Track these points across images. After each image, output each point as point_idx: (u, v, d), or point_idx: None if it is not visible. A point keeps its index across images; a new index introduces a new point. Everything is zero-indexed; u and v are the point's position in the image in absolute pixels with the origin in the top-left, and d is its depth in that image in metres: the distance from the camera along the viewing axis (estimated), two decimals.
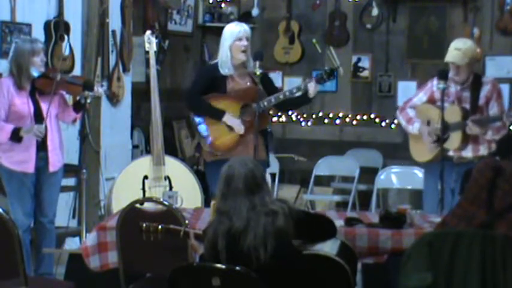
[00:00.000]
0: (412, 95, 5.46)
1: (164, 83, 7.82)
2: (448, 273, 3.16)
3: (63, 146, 5.33)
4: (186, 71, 8.48)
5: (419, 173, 5.82)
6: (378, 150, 7.94)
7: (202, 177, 5.95)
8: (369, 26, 8.15)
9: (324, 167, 7.53)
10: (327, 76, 5.01)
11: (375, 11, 8.06)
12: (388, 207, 6.72)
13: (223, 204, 3.26)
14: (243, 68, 5.14)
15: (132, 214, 3.91)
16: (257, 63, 4.86)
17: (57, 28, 6.22)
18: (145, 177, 5.70)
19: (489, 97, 5.12)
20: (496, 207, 3.27)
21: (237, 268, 3.08)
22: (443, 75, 4.91)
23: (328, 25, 8.30)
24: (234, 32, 5.11)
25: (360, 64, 8.23)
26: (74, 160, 6.14)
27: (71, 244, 5.88)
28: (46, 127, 5.03)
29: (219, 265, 3.14)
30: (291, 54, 8.41)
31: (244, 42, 5.09)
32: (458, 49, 5.02)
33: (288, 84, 7.97)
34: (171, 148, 7.43)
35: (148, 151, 6.74)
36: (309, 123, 8.39)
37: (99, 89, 5.45)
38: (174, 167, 5.81)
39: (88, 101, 5.14)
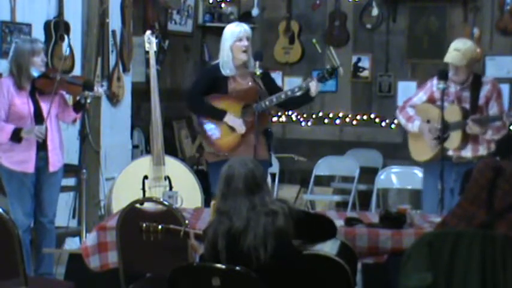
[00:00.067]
0: (412, 95, 5.46)
1: (164, 83, 7.82)
2: (448, 273, 3.16)
3: (63, 146, 5.33)
4: (186, 71, 8.48)
5: (419, 173, 5.82)
6: (378, 150, 7.94)
7: (202, 177, 5.96)
8: (369, 26, 8.15)
9: (324, 167, 7.53)
10: (328, 75, 5.00)
11: (375, 11, 8.06)
12: (388, 207, 6.72)
13: (223, 204, 3.26)
14: (244, 68, 5.14)
15: (132, 214, 3.91)
16: (257, 63, 4.87)
17: (57, 28, 6.22)
18: (145, 177, 5.69)
19: (489, 97, 5.13)
20: (496, 207, 3.27)
21: (237, 268, 3.08)
22: (443, 75, 4.91)
23: (328, 25, 8.30)
24: (235, 32, 5.11)
25: (360, 64, 8.23)
26: (74, 160, 6.14)
27: (71, 244, 5.88)
28: (46, 128, 5.03)
29: (219, 265, 3.14)
30: (291, 54, 8.41)
31: (245, 43, 5.09)
32: (457, 50, 5.03)
33: (288, 84, 7.96)
34: (171, 148, 7.43)
35: (148, 151, 6.74)
36: (309, 123, 8.39)
37: (99, 89, 5.45)
38: (174, 167, 5.81)
39: (88, 101, 5.14)
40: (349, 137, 8.27)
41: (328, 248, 3.48)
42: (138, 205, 4.02)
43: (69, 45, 6.02)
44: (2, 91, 5.04)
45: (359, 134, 8.24)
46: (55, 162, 5.18)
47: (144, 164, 5.77)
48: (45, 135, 5.02)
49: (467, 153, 5.11)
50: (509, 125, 5.14)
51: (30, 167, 5.09)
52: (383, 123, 8.10)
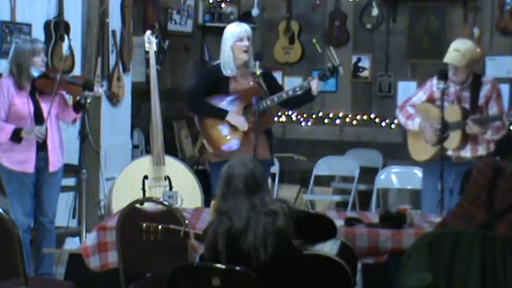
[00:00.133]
0: (411, 95, 5.46)
1: (164, 83, 7.82)
2: (448, 273, 3.16)
3: (63, 146, 5.33)
4: (186, 71, 8.48)
5: (419, 173, 5.82)
6: (378, 150, 7.94)
7: (202, 177, 5.95)
8: (369, 26, 8.15)
9: (324, 167, 7.53)
10: (330, 73, 4.99)
11: (375, 11, 8.06)
12: (388, 207, 6.72)
13: (223, 204, 3.26)
14: (245, 68, 5.14)
15: (132, 214, 3.91)
16: (257, 63, 4.86)
17: (57, 28, 6.22)
18: (145, 177, 5.69)
19: (489, 97, 5.13)
20: (496, 207, 3.27)
21: (237, 268, 3.08)
22: (443, 75, 4.92)
23: (328, 25, 8.30)
24: (235, 32, 5.11)
25: (360, 64, 8.23)
26: (74, 160, 6.14)
27: (71, 244, 5.88)
28: (46, 128, 5.03)
29: (219, 265, 3.14)
30: (291, 54, 8.41)
31: (246, 42, 5.09)
32: (457, 50, 5.03)
33: (288, 84, 7.96)
34: (171, 148, 7.43)
35: (148, 151, 6.73)
36: (309, 123, 8.39)
37: (99, 89, 5.45)
38: (174, 167, 5.81)
39: (88, 101, 5.14)
40: (349, 137, 8.27)
41: (329, 248, 3.48)
42: (138, 205, 4.02)
43: (70, 46, 6.01)
44: (2, 91, 5.04)
45: (359, 134, 8.24)
46: (55, 162, 5.18)
47: (144, 164, 5.77)
48: (45, 136, 5.02)
49: (467, 153, 5.12)
50: (509, 125, 5.14)
51: (30, 167, 5.09)
52: (383, 123, 8.10)
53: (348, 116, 8.26)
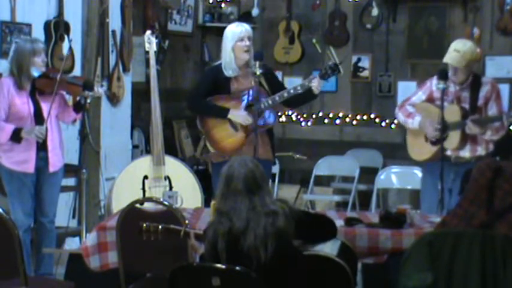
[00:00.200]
0: (411, 94, 5.46)
1: (164, 83, 7.82)
2: (448, 273, 3.16)
3: (63, 146, 5.33)
4: (186, 71, 8.48)
5: (419, 173, 5.82)
6: (377, 150, 7.94)
7: (202, 177, 5.95)
8: (368, 26, 8.15)
9: (324, 167, 7.53)
10: (331, 71, 4.99)
11: (375, 11, 8.06)
12: (388, 207, 6.71)
13: (223, 204, 3.26)
14: (247, 68, 5.13)
15: (132, 214, 3.91)
16: (257, 63, 4.86)
17: (57, 28, 6.22)
18: (145, 177, 5.69)
19: (488, 97, 5.13)
20: (496, 207, 3.27)
21: (237, 268, 3.08)
22: (443, 75, 4.92)
23: (328, 25, 8.30)
24: (236, 32, 5.11)
25: (360, 64, 8.23)
26: (74, 160, 6.14)
27: (71, 244, 5.88)
28: (47, 128, 5.03)
29: (219, 265, 3.14)
30: (291, 54, 8.41)
31: (246, 42, 5.09)
32: (457, 51, 5.03)
33: (288, 84, 7.91)
34: (171, 148, 7.43)
35: (148, 151, 6.74)
36: (309, 123, 8.39)
37: (99, 89, 5.46)
38: (174, 167, 5.81)
39: (88, 101, 5.14)
40: (349, 137, 8.26)
41: (329, 248, 3.48)
42: (138, 205, 4.02)
43: (70, 46, 6.01)
44: (3, 91, 5.04)
45: (359, 134, 8.24)
46: (55, 162, 5.18)
47: (144, 164, 5.77)
48: (45, 136, 5.02)
49: (466, 153, 5.12)
50: (509, 126, 5.14)
51: (30, 167, 5.09)
52: (383, 123, 8.10)
53: (347, 116, 8.26)
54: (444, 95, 4.90)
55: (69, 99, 5.51)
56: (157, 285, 3.94)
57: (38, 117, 5.08)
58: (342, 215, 4.41)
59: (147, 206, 4.12)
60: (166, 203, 4.01)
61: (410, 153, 5.35)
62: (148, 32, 5.93)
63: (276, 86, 5.17)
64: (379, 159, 7.84)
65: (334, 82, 8.14)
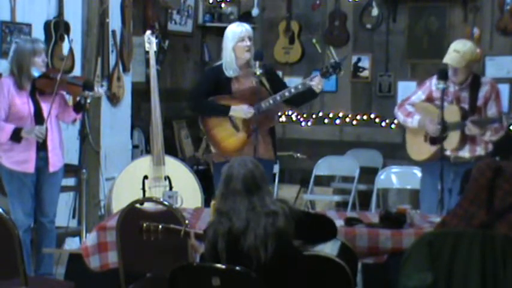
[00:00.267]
0: (410, 94, 5.45)
1: (164, 83, 7.82)
2: (448, 273, 3.16)
3: (63, 146, 5.33)
4: (186, 71, 8.48)
5: (418, 173, 5.81)
6: (377, 150, 7.93)
7: (202, 177, 5.95)
8: (368, 26, 8.15)
9: (324, 167, 7.53)
10: (332, 69, 4.98)
11: (375, 11, 8.06)
12: (388, 207, 6.71)
13: (223, 204, 3.26)
14: (248, 67, 5.13)
15: (132, 214, 3.91)
16: (257, 63, 4.85)
17: (57, 28, 6.22)
18: (145, 177, 5.69)
19: (488, 98, 5.13)
20: (496, 207, 3.27)
21: (237, 268, 3.08)
22: (443, 75, 4.91)
23: (328, 25, 8.30)
24: (236, 32, 5.11)
25: (360, 64, 8.23)
26: (74, 160, 6.14)
27: (71, 244, 5.88)
28: (47, 128, 5.03)
29: (219, 265, 3.14)
30: (291, 54, 8.41)
31: (247, 42, 5.08)
32: (457, 51, 5.03)
33: (288, 84, 7.94)
34: (171, 148, 7.43)
35: (148, 151, 6.74)
36: (309, 123, 8.39)
37: (99, 89, 5.46)
38: (174, 167, 5.81)
39: (88, 101, 5.14)
40: (349, 137, 8.26)
41: (329, 249, 3.48)
42: (138, 205, 4.02)
43: (70, 46, 6.00)
44: (3, 91, 5.04)
45: (359, 134, 8.23)
46: (55, 162, 5.18)
47: (144, 164, 5.77)
48: (45, 136, 5.02)
49: (465, 153, 5.12)
50: (508, 126, 5.14)
51: (30, 167, 5.09)
52: (383, 123, 8.10)
53: (347, 116, 8.26)
54: (444, 95, 4.90)
55: (69, 99, 5.51)
56: (157, 285, 3.94)
57: (38, 117, 5.08)
58: (342, 215, 4.41)
59: (147, 206, 4.12)
60: (166, 203, 4.01)
61: (410, 152, 5.35)
62: (148, 32, 5.94)
63: (278, 85, 5.16)
64: (379, 159, 7.84)
65: (334, 82, 8.14)
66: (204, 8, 8.58)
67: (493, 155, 5.10)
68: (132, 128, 7.35)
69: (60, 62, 5.92)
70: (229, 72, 5.13)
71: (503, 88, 7.02)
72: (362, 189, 7.45)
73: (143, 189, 5.66)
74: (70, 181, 6.16)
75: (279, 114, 8.29)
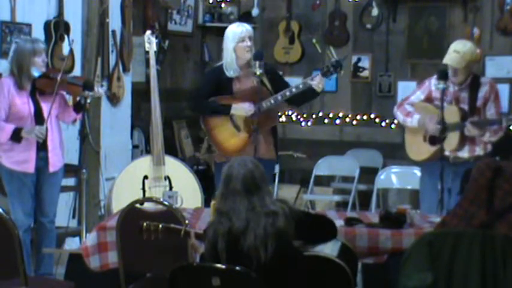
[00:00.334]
0: (409, 93, 5.45)
1: (164, 83, 7.82)
2: (448, 273, 3.16)
3: (64, 146, 5.33)
4: (186, 71, 8.48)
5: (418, 173, 5.81)
6: (377, 150, 7.93)
7: (202, 177, 5.94)
8: (368, 26, 8.15)
9: (324, 167, 7.53)
10: (333, 68, 4.98)
11: (375, 11, 8.06)
12: (388, 207, 6.72)
13: (223, 204, 3.26)
14: (248, 67, 5.12)
15: (132, 214, 3.91)
16: (257, 63, 4.85)
17: (57, 28, 6.22)
18: (145, 177, 5.69)
19: (487, 98, 5.12)
20: (496, 207, 3.27)
21: (237, 268, 3.08)
22: (443, 75, 4.91)
23: (328, 25, 8.29)
24: (237, 33, 5.10)
25: (360, 64, 8.23)
26: (74, 160, 6.14)
27: (71, 244, 5.88)
28: (47, 128, 5.03)
29: (219, 265, 3.14)
30: (291, 54, 8.41)
31: (248, 43, 5.09)
32: (457, 52, 5.02)
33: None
34: (171, 148, 7.43)
35: (148, 151, 6.74)
36: (309, 123, 8.39)
37: (99, 90, 5.46)
38: (174, 167, 5.81)
39: (88, 101, 5.14)
40: (349, 137, 8.26)
41: (329, 249, 3.48)
42: (138, 205, 4.02)
43: (70, 47, 6.01)
44: (3, 91, 5.04)
45: (359, 134, 8.23)
46: (55, 162, 5.18)
47: (144, 164, 5.77)
48: (45, 136, 5.02)
49: (464, 153, 5.12)
50: (508, 126, 5.14)
51: (30, 167, 5.09)
52: (383, 123, 8.10)
53: (347, 116, 8.26)
54: (444, 95, 4.89)
55: (69, 99, 5.51)
56: (157, 285, 3.94)
57: (38, 117, 5.08)
58: (342, 215, 4.41)
59: (147, 206, 4.12)
60: (166, 203, 4.01)
61: (409, 152, 5.35)
62: (148, 32, 5.93)
63: (279, 85, 5.15)
64: (379, 159, 7.84)
65: (334, 82, 8.14)
66: (204, 8, 8.58)
67: (492, 155, 5.10)
68: (132, 128, 7.35)
69: (60, 62, 5.92)
70: (230, 73, 5.13)
71: (503, 88, 7.02)
72: (362, 189, 7.45)
73: (143, 189, 5.66)
74: (70, 181, 6.16)
75: (279, 114, 8.29)
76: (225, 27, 5.29)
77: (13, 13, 5.94)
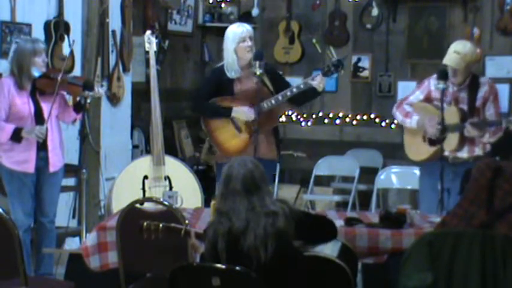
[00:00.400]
0: (408, 93, 5.44)
1: (164, 83, 7.82)
2: (448, 273, 3.16)
3: (64, 146, 5.33)
4: (186, 71, 8.48)
5: (418, 172, 5.82)
6: (377, 150, 7.93)
7: (202, 177, 5.94)
8: (368, 26, 8.15)
9: (324, 167, 7.53)
10: (334, 68, 4.97)
11: (375, 11, 8.06)
12: (388, 207, 6.71)
13: (223, 204, 3.26)
14: (249, 68, 5.12)
15: (132, 214, 3.91)
16: (257, 63, 4.84)
17: (57, 28, 6.22)
18: (145, 177, 5.69)
19: (486, 98, 5.12)
20: (496, 207, 3.27)
21: (237, 268, 3.08)
22: (443, 75, 4.90)
23: (328, 25, 8.30)
24: (237, 33, 5.10)
25: (360, 64, 8.23)
26: (74, 160, 6.14)
27: (71, 244, 5.88)
28: (47, 128, 5.03)
29: (219, 265, 3.14)
30: (291, 54, 8.41)
31: (249, 43, 5.08)
32: (457, 52, 5.02)
33: None
34: (171, 148, 7.43)
35: (148, 151, 6.74)
36: (309, 123, 8.39)
37: (99, 90, 5.45)
38: (174, 167, 5.81)
39: (88, 101, 5.14)
40: (349, 137, 8.26)
41: (329, 250, 3.48)
42: (138, 205, 4.02)
43: (71, 48, 6.01)
44: (3, 91, 5.04)
45: (359, 134, 8.23)
46: (55, 163, 5.18)
47: (144, 164, 5.77)
48: (45, 136, 5.02)
49: (464, 154, 5.11)
50: (507, 127, 5.13)
51: (30, 167, 5.09)
52: (383, 123, 8.10)
53: (347, 116, 8.26)
54: (443, 95, 4.89)
55: (69, 99, 5.51)
56: (157, 285, 3.94)
57: (39, 117, 5.09)
58: (342, 215, 4.41)
59: (147, 206, 4.12)
60: (166, 203, 4.01)
61: (408, 153, 5.35)
62: (148, 32, 5.93)
63: (280, 85, 5.14)
64: (379, 159, 7.84)
65: (334, 82, 8.14)
66: (204, 8, 8.58)
67: (491, 155, 5.09)
68: (132, 128, 7.35)
69: (60, 62, 5.93)
70: (231, 74, 5.12)
71: (503, 88, 7.02)
72: (362, 189, 7.45)
73: (143, 189, 5.66)
74: (70, 181, 6.16)
75: (279, 114, 8.29)
76: (225, 27, 5.28)
77: (13, 13, 5.94)
